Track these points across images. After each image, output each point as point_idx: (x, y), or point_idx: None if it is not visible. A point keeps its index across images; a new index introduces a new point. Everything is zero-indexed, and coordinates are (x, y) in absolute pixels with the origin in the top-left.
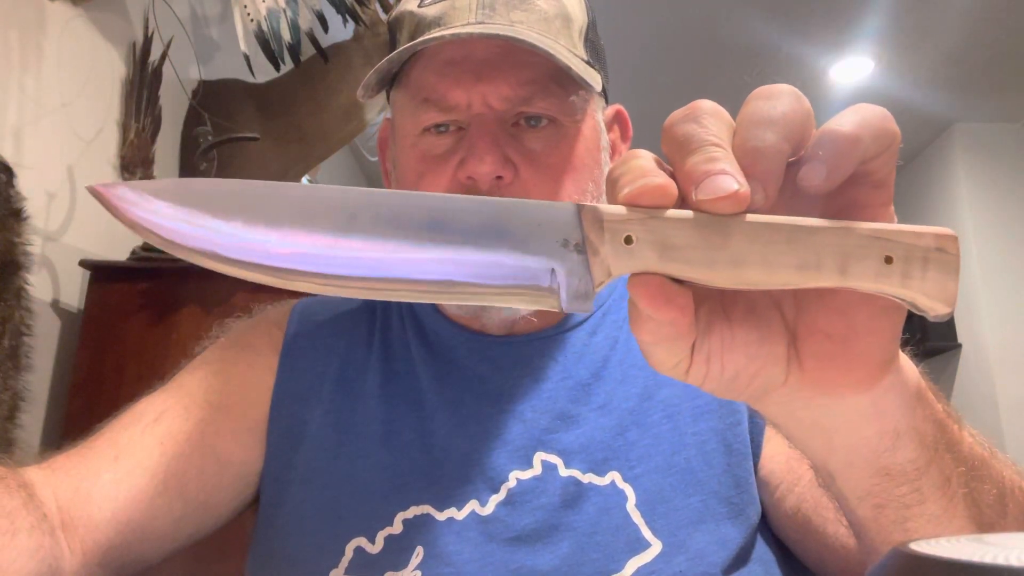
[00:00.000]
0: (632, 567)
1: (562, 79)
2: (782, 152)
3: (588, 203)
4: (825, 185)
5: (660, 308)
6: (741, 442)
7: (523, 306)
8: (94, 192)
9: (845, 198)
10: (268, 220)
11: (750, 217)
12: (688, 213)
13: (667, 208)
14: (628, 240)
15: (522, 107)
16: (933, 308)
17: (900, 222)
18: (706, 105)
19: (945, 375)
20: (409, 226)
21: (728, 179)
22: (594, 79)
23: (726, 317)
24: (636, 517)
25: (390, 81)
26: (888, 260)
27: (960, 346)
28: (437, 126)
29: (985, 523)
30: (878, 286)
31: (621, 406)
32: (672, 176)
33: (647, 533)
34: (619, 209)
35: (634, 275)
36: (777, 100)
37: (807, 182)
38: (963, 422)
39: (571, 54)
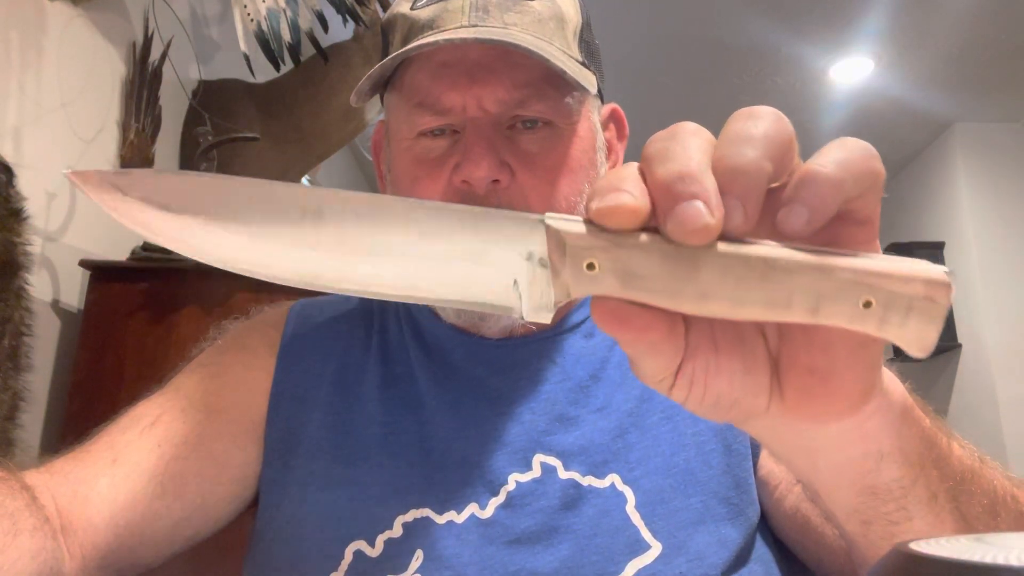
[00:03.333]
0: (632, 569)
1: (557, 81)
2: (763, 170)
3: (556, 219)
4: (807, 230)
5: (616, 330)
6: (740, 442)
7: (485, 310)
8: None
9: (827, 234)
10: (233, 218)
11: (723, 246)
12: (656, 240)
13: (634, 230)
14: (590, 267)
15: (517, 110)
16: (908, 351)
17: (901, 222)
18: (687, 124)
19: (945, 375)
20: (374, 225)
21: (699, 208)
22: (588, 81)
23: (713, 343)
24: (636, 519)
25: (384, 84)
26: (867, 304)
27: (960, 346)
28: (432, 130)
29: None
30: (851, 327)
31: (620, 408)
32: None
33: (647, 535)
34: (583, 232)
35: (594, 296)
36: (759, 120)
37: (788, 227)
38: (952, 434)
39: (566, 56)
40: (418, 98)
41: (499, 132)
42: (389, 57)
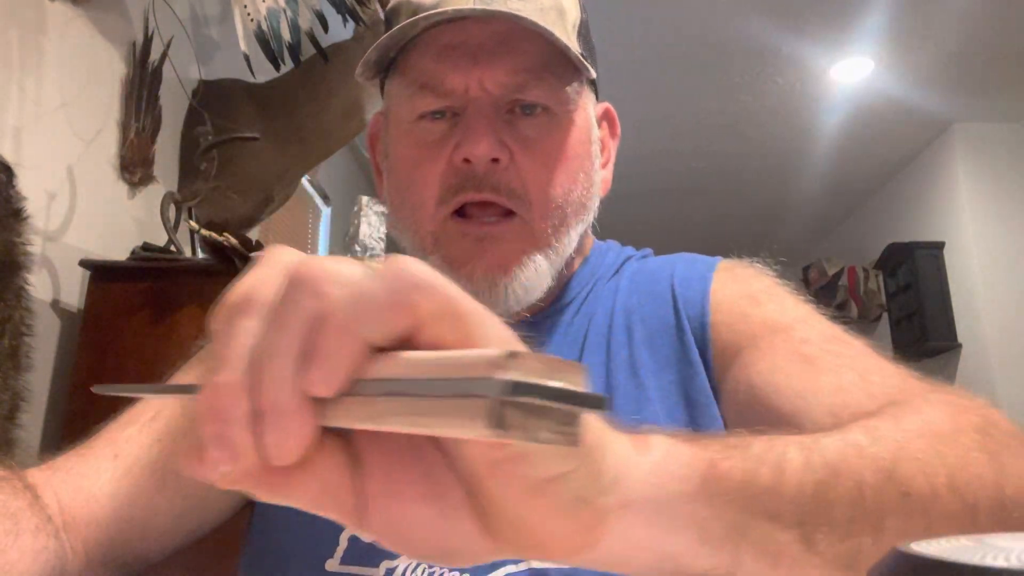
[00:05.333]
0: None
1: (557, 68)
2: (296, 392)
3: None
4: (329, 390)
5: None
6: (701, 393)
7: None
8: None
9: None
10: None
11: None
12: None
13: None
14: None
15: (517, 94)
16: None
17: (901, 222)
18: (249, 290)
19: (945, 375)
20: None
21: (213, 461)
22: (588, 67)
23: (389, 484)
24: None
25: (385, 70)
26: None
27: (960, 346)
28: (433, 113)
29: (845, 562)
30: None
31: (593, 372)
32: None
33: None
34: None
35: None
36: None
37: (310, 391)
38: (786, 453)
39: (567, 41)
40: (421, 80)
41: (499, 114)
42: (398, 27)
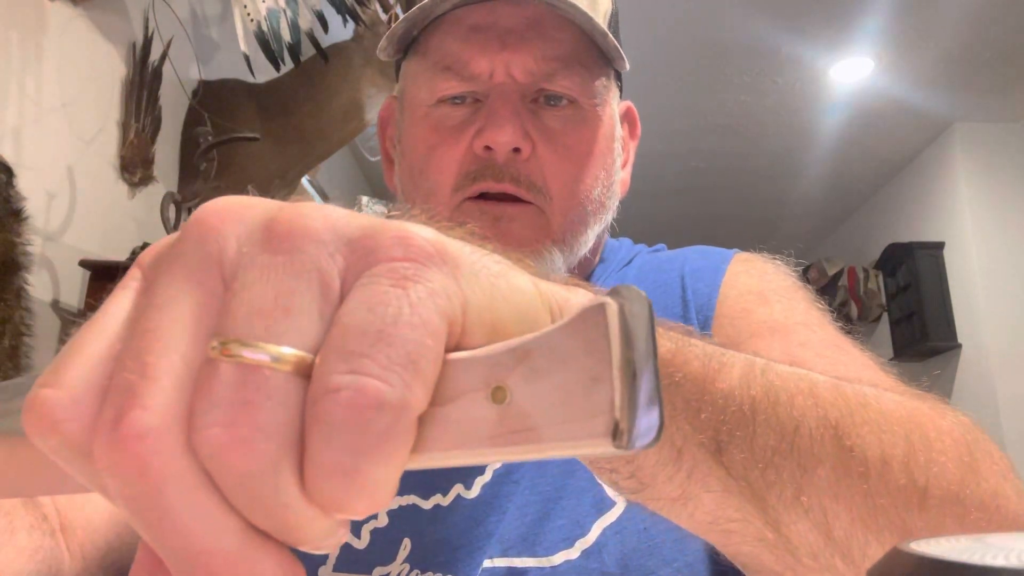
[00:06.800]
0: (598, 529)
1: (587, 59)
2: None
3: None
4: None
5: None
6: None
7: None
8: None
9: None
10: None
11: None
12: None
13: None
14: None
15: (544, 83)
16: None
17: (901, 222)
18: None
19: (945, 375)
20: None
21: None
22: (620, 58)
23: None
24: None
25: (403, 51)
26: None
27: (960, 346)
28: (453, 98)
29: (755, 489)
30: None
31: None
32: None
33: (611, 492)
34: None
35: None
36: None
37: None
38: (724, 363)
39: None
40: (445, 62)
41: (524, 102)
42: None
